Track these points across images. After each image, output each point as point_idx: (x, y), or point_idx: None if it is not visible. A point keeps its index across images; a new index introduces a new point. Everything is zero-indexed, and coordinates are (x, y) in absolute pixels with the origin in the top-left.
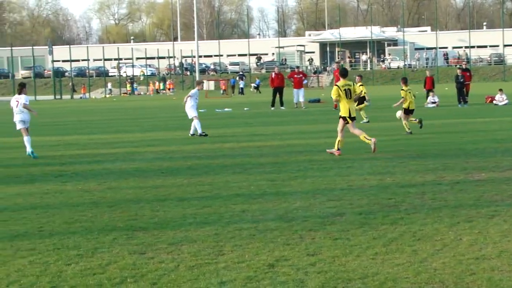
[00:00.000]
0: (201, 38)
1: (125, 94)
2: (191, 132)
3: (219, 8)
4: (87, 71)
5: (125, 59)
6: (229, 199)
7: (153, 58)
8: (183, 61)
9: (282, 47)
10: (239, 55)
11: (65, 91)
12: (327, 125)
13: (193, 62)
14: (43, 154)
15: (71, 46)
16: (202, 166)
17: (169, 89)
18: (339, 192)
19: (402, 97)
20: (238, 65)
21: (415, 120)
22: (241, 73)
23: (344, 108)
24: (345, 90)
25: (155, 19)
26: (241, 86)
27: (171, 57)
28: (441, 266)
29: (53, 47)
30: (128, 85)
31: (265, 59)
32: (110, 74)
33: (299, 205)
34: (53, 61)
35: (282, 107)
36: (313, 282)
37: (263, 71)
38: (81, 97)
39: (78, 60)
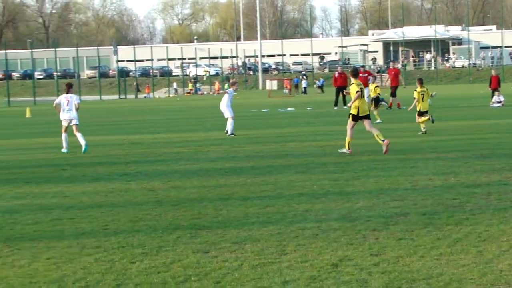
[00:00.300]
0: (264, 37)
1: (188, 94)
2: (230, 132)
3: (282, 7)
4: (151, 70)
5: (188, 59)
6: (292, 198)
7: (216, 58)
8: (246, 60)
9: (345, 47)
10: (302, 54)
11: (130, 91)
12: (390, 124)
13: (256, 62)
14: (108, 153)
15: (135, 46)
16: (265, 165)
17: None
18: (403, 192)
19: (415, 98)
20: (301, 64)
21: (428, 117)
22: (303, 72)
23: (354, 107)
24: (361, 88)
25: (218, 19)
26: (304, 85)
27: (234, 56)
28: (507, 268)
29: (118, 47)
30: (190, 85)
31: (328, 58)
32: (173, 74)
33: (362, 204)
34: (117, 61)
35: (345, 107)
36: (377, 282)
37: (326, 70)
38: (145, 97)
39: (142, 60)
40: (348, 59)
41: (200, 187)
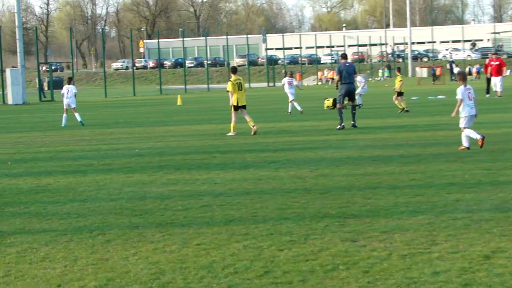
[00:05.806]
0: (414, 24)
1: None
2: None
3: None
4: (300, 58)
5: (337, 46)
6: (442, 188)
7: (364, 45)
8: (395, 48)
9: (498, 33)
10: (453, 41)
11: (278, 79)
12: None
13: (405, 49)
14: (256, 140)
15: (284, 34)
16: (415, 154)
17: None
18: None
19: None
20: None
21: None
22: (451, 60)
23: (234, 98)
24: (237, 83)
25: (367, 7)
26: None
27: (383, 44)
28: None
29: (267, 35)
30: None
31: (480, 45)
32: (322, 61)
33: None
34: (266, 49)
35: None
36: None
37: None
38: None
39: (291, 48)
40: (501, 45)
41: (348, 175)
